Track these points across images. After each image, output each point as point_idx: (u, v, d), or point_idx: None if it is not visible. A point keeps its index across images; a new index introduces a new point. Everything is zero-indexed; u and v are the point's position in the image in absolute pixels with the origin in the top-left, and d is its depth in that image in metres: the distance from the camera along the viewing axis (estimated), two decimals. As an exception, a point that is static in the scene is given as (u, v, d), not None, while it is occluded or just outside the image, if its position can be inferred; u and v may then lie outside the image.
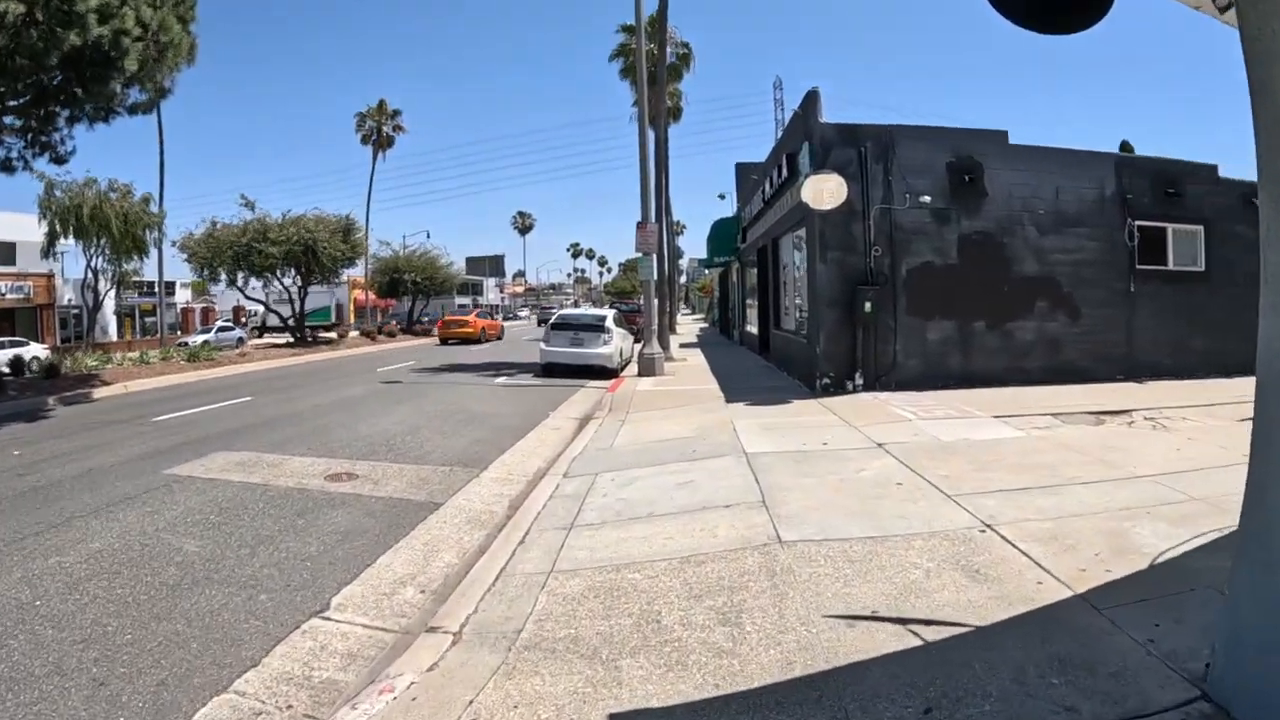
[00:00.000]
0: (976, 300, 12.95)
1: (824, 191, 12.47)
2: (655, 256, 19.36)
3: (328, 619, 4.50)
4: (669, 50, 40.74)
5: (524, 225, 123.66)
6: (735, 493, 6.72)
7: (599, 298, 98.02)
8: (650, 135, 22.17)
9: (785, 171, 15.11)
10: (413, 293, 47.46)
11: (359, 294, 59.21)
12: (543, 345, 19.08)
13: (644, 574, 4.96)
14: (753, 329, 23.78)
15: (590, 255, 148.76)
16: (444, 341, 36.17)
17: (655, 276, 19.40)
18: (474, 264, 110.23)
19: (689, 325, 52.38)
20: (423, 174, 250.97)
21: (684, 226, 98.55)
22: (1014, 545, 5.13)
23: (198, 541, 5.96)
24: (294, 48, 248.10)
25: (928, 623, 4.05)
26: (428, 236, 78.82)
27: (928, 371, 12.82)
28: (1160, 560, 4.77)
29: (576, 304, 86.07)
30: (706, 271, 62.42)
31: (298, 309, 36.60)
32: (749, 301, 25.67)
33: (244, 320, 47.94)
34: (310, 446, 9.66)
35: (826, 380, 12.81)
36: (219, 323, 46.48)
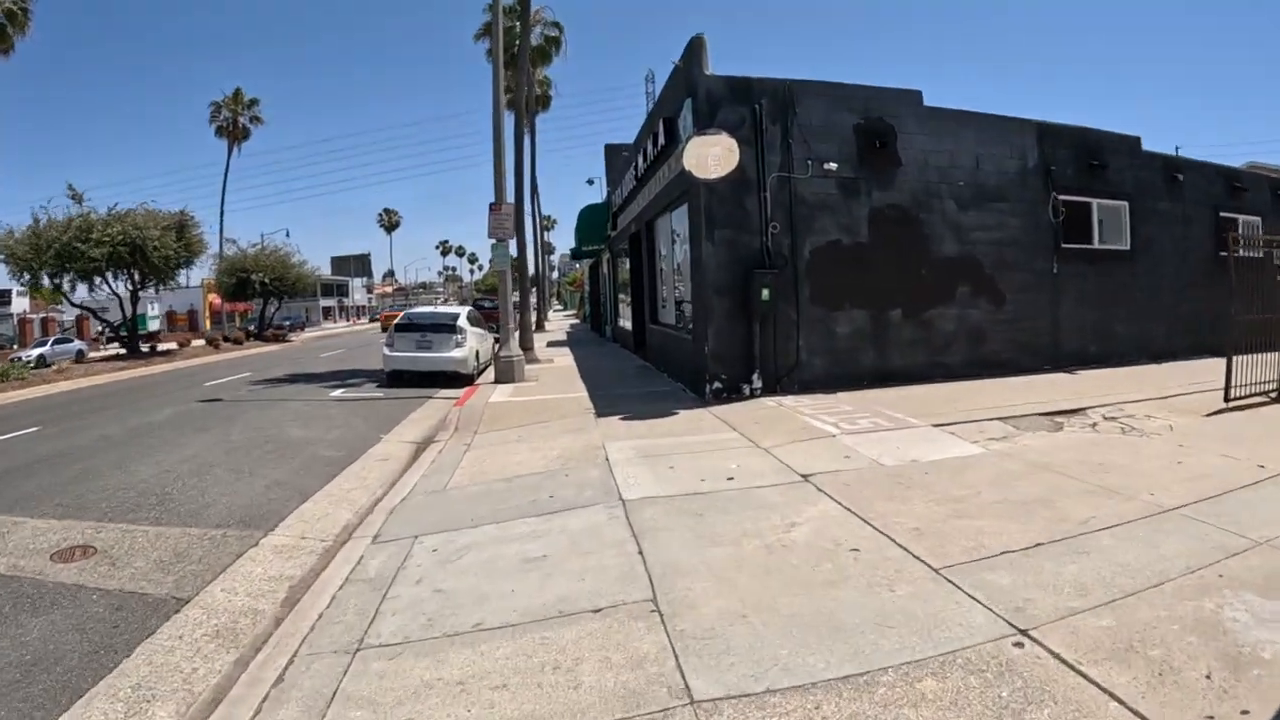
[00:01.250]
0: (891, 285, 11.13)
1: (710, 156, 10.27)
2: (514, 244, 16.98)
3: None
4: (538, 30, 38.31)
5: (390, 223, 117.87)
6: (609, 580, 4.35)
7: (470, 295, 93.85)
8: (510, 116, 19.98)
9: (663, 138, 12.80)
10: (262, 294, 42.98)
11: (214, 298, 54.26)
12: (385, 350, 16.32)
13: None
14: (626, 324, 21.56)
15: (460, 253, 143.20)
16: (385, 330, 42.58)
17: (513, 268, 17.06)
18: (340, 264, 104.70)
19: (560, 322, 50.72)
20: (284, 171, 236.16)
21: (555, 221, 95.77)
22: (1082, 674, 3.07)
23: None
24: (145, 44, 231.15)
25: None
26: (287, 235, 73.31)
27: (837, 370, 10.89)
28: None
29: (446, 302, 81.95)
30: (578, 265, 59.98)
31: (128, 315, 32.27)
32: (621, 295, 23.41)
33: (103, 331, 42.15)
34: (61, 501, 7.34)
35: (718, 384, 10.68)
36: (56, 334, 40.72)
